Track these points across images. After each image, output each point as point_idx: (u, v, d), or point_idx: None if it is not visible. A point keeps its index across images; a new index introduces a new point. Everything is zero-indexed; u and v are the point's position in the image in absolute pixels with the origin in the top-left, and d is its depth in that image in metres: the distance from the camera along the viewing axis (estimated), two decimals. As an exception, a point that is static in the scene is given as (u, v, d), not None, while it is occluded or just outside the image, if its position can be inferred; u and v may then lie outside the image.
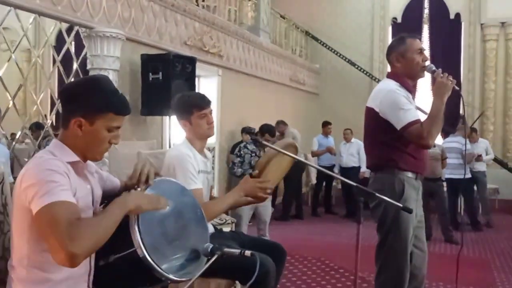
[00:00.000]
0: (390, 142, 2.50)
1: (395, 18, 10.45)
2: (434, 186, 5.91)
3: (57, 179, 1.41)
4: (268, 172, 2.38)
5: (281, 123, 7.66)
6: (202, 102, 2.47)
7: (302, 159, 2.51)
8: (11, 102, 4.23)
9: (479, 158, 6.99)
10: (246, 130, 6.44)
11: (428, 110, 2.51)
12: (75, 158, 1.55)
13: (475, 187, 7.16)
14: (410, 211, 2.18)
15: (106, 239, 1.41)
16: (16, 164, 4.17)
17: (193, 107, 2.44)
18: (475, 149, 7.08)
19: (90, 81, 1.71)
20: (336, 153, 8.01)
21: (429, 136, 2.38)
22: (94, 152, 1.58)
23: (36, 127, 5.69)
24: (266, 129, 5.83)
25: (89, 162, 1.65)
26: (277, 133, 6.48)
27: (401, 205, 2.17)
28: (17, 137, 4.55)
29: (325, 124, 8.30)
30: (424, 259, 2.67)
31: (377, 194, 2.18)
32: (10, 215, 1.74)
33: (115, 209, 1.46)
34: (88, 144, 1.55)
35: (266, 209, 5.10)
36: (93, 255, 1.56)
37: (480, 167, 7.12)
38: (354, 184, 2.25)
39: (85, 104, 1.52)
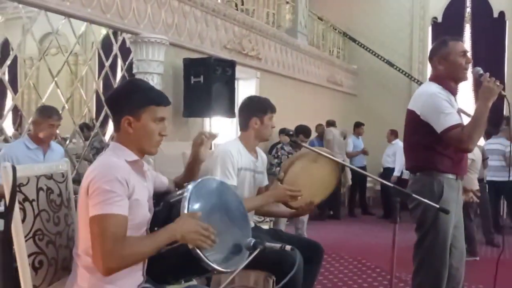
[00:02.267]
0: (430, 145, 2.52)
1: (435, 18, 10.26)
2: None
3: (115, 188, 1.55)
4: (294, 175, 2.52)
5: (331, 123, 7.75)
6: (274, 107, 2.72)
7: (338, 160, 2.60)
8: (63, 104, 4.51)
9: None
10: (284, 132, 6.54)
11: (471, 112, 2.52)
12: (134, 157, 1.70)
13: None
14: (447, 212, 2.22)
15: (144, 260, 1.62)
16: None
17: (268, 108, 2.67)
18: None
19: (127, 83, 1.94)
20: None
21: (469, 140, 2.39)
22: (149, 145, 1.72)
23: (86, 128, 6.01)
24: (301, 130, 5.90)
25: (142, 161, 1.78)
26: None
27: (438, 206, 2.22)
28: (69, 136, 4.84)
29: (358, 125, 8.31)
30: (462, 259, 2.68)
31: (413, 195, 2.23)
32: (73, 208, 1.93)
33: (163, 237, 1.59)
34: (141, 139, 1.69)
35: None
36: None
37: None
38: (391, 185, 2.32)
39: (129, 103, 1.68)
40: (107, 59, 5.04)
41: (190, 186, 1.71)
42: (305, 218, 5.21)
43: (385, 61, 10.06)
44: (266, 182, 2.85)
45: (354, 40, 10.57)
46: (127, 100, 1.69)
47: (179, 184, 2.01)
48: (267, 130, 2.67)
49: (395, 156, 7.65)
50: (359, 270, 4.62)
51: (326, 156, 2.49)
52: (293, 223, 5.31)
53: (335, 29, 10.27)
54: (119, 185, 1.56)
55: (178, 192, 1.79)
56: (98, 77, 5.79)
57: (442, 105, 2.46)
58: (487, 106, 2.39)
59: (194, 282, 2.03)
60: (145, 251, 1.57)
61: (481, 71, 2.50)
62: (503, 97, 2.44)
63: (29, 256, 1.69)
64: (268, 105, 2.69)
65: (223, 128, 5.66)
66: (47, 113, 3.45)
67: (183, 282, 1.85)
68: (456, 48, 2.58)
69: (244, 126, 2.69)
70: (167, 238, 1.59)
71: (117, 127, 1.72)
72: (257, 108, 2.67)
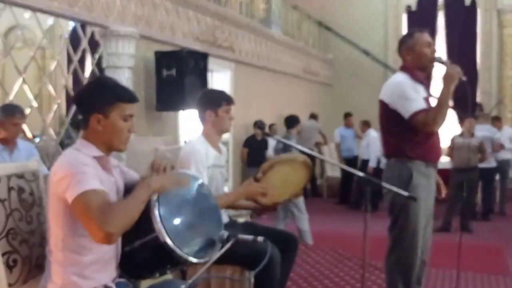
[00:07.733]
0: (400, 132, 2.64)
1: (409, 6, 10.35)
2: (470, 175, 5.68)
3: (85, 170, 1.59)
4: (272, 178, 2.58)
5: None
6: (230, 99, 2.68)
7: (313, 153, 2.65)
8: (31, 101, 4.39)
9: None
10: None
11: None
12: (99, 153, 1.71)
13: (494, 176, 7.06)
14: (414, 199, 2.30)
15: (136, 217, 1.58)
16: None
17: (223, 100, 2.63)
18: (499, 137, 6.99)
19: (94, 81, 1.98)
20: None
21: (434, 123, 2.53)
22: (118, 142, 1.74)
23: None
24: (291, 120, 5.44)
25: (110, 158, 1.80)
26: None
27: (406, 194, 2.27)
28: (39, 135, 4.73)
29: (345, 115, 8.29)
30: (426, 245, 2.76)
31: (382, 183, 2.30)
32: (45, 207, 1.92)
33: (141, 191, 1.63)
34: (110, 136, 1.71)
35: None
36: (119, 241, 1.72)
37: (505, 155, 7.01)
38: (361, 174, 2.36)
39: (97, 101, 1.70)
40: (76, 53, 4.92)
41: None
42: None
43: (361, 50, 10.11)
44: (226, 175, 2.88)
45: (329, 29, 10.58)
46: (95, 97, 1.71)
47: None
48: (223, 122, 2.63)
49: (369, 147, 7.55)
50: (336, 260, 4.65)
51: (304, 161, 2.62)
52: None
53: (310, 19, 10.26)
54: (87, 167, 1.61)
55: None
56: (67, 72, 5.66)
57: (407, 92, 2.59)
58: (449, 90, 2.54)
59: (169, 276, 2.04)
60: (134, 206, 1.58)
61: (443, 59, 2.66)
62: (463, 82, 2.55)
63: (2, 255, 1.70)
64: (222, 97, 2.65)
65: (196, 122, 5.59)
66: (10, 112, 3.34)
67: (158, 275, 1.85)
68: (421, 39, 2.70)
69: (202, 120, 2.69)
70: (146, 192, 1.62)
71: (85, 124, 1.74)
72: (210, 101, 2.64)
